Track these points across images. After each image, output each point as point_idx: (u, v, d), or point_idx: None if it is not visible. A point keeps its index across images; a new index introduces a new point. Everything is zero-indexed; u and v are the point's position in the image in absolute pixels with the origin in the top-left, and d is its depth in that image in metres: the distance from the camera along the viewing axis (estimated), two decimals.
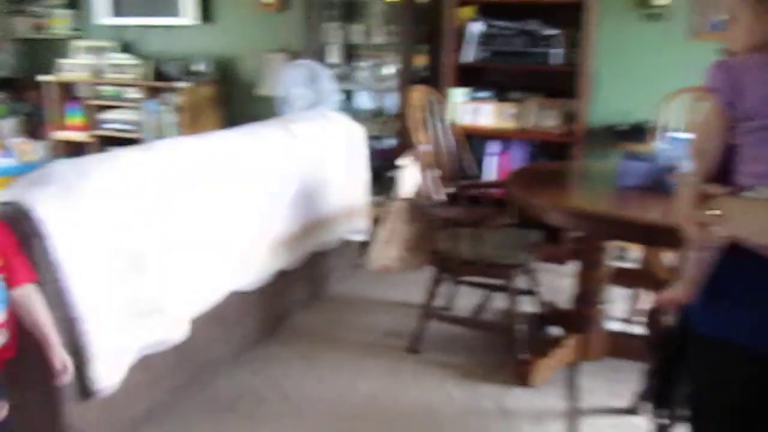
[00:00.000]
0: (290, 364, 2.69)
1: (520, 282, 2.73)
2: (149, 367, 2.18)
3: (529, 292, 2.97)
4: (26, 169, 4.51)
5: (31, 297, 1.57)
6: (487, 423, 2.31)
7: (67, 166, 1.98)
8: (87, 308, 1.83)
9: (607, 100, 3.84)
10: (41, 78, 5.21)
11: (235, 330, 2.67)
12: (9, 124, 5.50)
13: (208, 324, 2.46)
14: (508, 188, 2.64)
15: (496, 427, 2.29)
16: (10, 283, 1.54)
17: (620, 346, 2.64)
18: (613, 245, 2.70)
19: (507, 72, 4.05)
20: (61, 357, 1.62)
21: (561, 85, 3.74)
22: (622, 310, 2.99)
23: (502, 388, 2.53)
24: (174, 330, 2.16)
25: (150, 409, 2.25)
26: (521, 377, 2.56)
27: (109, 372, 1.92)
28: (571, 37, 3.64)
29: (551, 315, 3.00)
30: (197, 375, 2.46)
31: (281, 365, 2.68)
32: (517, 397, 2.47)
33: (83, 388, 1.90)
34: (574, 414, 2.31)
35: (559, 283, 3.54)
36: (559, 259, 3.72)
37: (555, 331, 2.93)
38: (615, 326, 2.83)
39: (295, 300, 3.12)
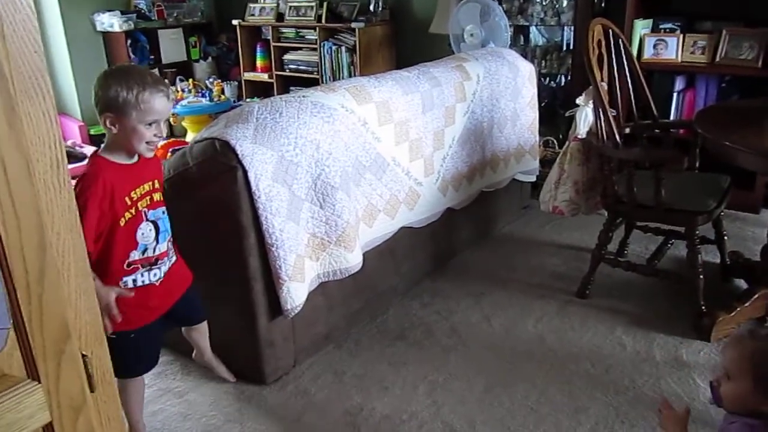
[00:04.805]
0: (458, 300, 2.78)
1: (704, 229, 2.56)
2: (328, 294, 2.37)
3: (714, 241, 2.78)
4: (220, 107, 4.95)
5: None
6: (659, 372, 2.25)
7: (260, 105, 2.15)
8: (279, 236, 2.01)
9: None
10: (233, 22, 5.60)
11: (406, 264, 2.79)
12: (202, 66, 6.01)
13: (382, 257, 2.60)
14: (695, 128, 2.46)
15: (669, 378, 2.21)
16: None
17: None
18: None
19: None
20: None
21: (762, 11, 3.34)
22: None
23: (678, 339, 2.43)
24: (351, 261, 2.31)
25: (328, 331, 2.45)
26: (700, 330, 2.43)
27: (296, 295, 2.11)
28: None
29: (737, 266, 2.79)
30: (370, 304, 2.62)
31: (449, 300, 2.77)
32: (694, 350, 2.36)
33: (274, 307, 2.12)
34: None
35: (749, 232, 3.28)
36: (751, 207, 3.42)
37: (741, 283, 2.75)
38: None
39: (463, 238, 3.18)
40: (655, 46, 3.65)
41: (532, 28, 4.34)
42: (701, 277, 2.46)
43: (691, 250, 2.47)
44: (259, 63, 5.69)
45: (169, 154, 4.24)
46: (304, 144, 2.08)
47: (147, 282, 1.73)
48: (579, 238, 3.28)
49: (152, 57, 5.64)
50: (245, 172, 1.94)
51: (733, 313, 2.40)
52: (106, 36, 5.46)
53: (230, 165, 1.94)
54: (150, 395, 2.20)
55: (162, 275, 1.77)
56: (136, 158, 1.68)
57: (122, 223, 1.63)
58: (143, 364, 1.88)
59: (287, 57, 5.47)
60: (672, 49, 3.61)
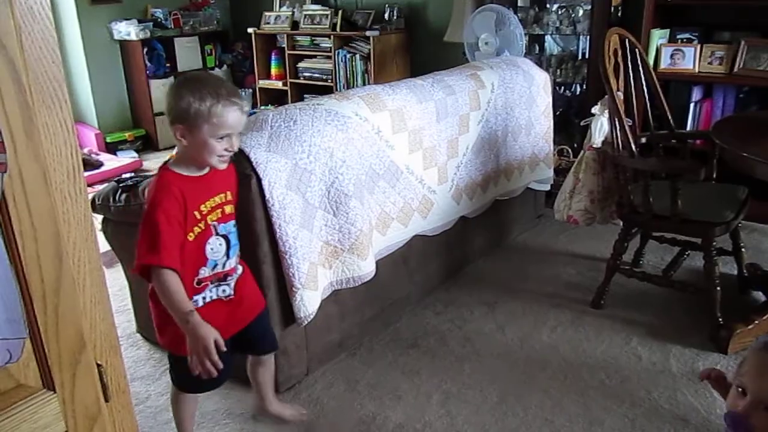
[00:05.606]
0: (471, 308, 2.76)
1: (721, 241, 2.53)
2: (341, 302, 2.37)
3: (731, 253, 2.74)
4: None
5: None
6: (676, 385, 2.22)
7: (274, 113, 2.15)
8: (292, 244, 2.01)
9: None
10: (248, 30, 5.63)
11: (419, 273, 2.78)
12: (217, 74, 6.04)
13: (395, 265, 2.59)
14: (712, 138, 2.43)
15: (686, 390, 2.18)
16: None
17: None
18: None
19: (714, 9, 3.67)
20: None
21: None
22: None
23: (695, 351, 2.40)
24: (364, 269, 2.30)
25: (341, 339, 2.44)
26: (717, 342, 2.40)
27: (309, 303, 2.11)
28: None
29: (755, 278, 2.76)
30: (383, 312, 2.61)
31: (462, 309, 2.76)
32: (711, 363, 2.33)
33: (287, 315, 2.11)
34: None
35: (766, 244, 3.24)
36: None
37: (758, 295, 2.71)
38: None
39: (477, 247, 3.17)
40: (672, 56, 3.63)
41: (548, 37, 4.33)
42: (718, 288, 2.43)
43: (707, 262, 2.44)
44: (273, 71, 5.72)
45: None
46: (318, 152, 2.08)
47: (215, 297, 1.66)
48: (594, 248, 3.25)
49: (168, 65, 5.68)
50: (259, 180, 1.94)
51: (751, 326, 2.37)
52: (123, 44, 5.51)
53: (244, 173, 1.94)
54: (163, 404, 2.20)
55: (232, 292, 1.70)
56: (206, 169, 1.60)
57: (191, 237, 1.54)
58: (203, 385, 1.75)
59: (302, 65, 5.49)
60: (689, 59, 3.58)
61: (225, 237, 1.63)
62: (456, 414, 2.12)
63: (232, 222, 1.66)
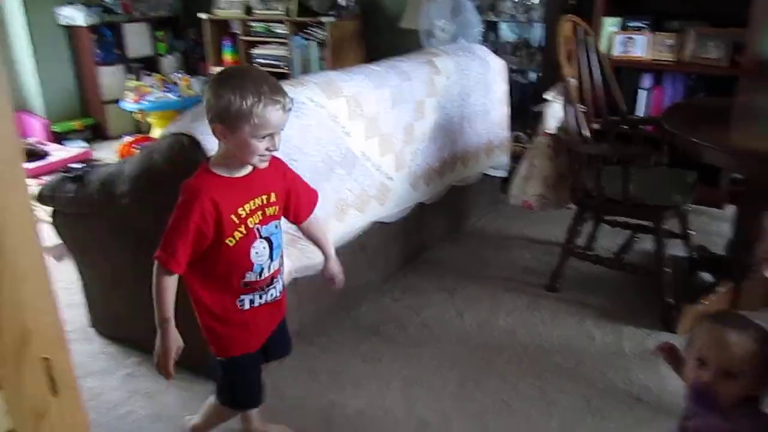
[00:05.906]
0: (429, 294, 2.78)
1: (671, 224, 2.60)
2: (299, 291, 2.34)
3: (680, 236, 2.82)
4: (187, 103, 4.87)
5: (316, 218, 1.75)
6: (629, 364, 2.28)
7: None
8: None
9: None
10: (200, 16, 5.50)
11: (378, 259, 2.78)
12: (169, 60, 5.91)
13: (353, 253, 2.58)
14: (663, 124, 2.49)
15: (638, 370, 2.24)
16: (301, 217, 1.70)
17: None
18: None
19: None
20: (331, 269, 1.81)
21: (728, 11, 3.40)
22: None
23: (646, 331, 2.47)
24: (321, 256, 2.28)
25: (300, 329, 2.42)
26: (666, 323, 2.47)
27: None
28: None
29: (703, 260, 2.84)
30: (342, 300, 2.60)
31: (421, 295, 2.77)
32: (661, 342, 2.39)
33: None
34: None
35: (713, 227, 3.34)
36: (716, 203, 3.49)
37: (706, 277, 2.79)
38: None
39: (435, 233, 3.18)
40: (623, 43, 3.69)
41: (503, 24, 4.35)
42: (668, 270, 2.50)
43: (658, 245, 2.50)
44: (227, 57, 5.61)
45: (135, 149, 4.17)
46: None
47: (264, 302, 1.62)
48: (549, 232, 3.30)
49: (118, 52, 5.53)
50: None
51: (699, 306, 2.44)
52: (70, 30, 5.33)
53: (197, 160, 1.90)
54: (119, 397, 2.16)
55: (278, 294, 1.66)
56: (249, 169, 1.52)
57: (231, 243, 1.49)
58: (252, 396, 1.77)
59: (256, 51, 5.40)
60: (640, 47, 3.65)
61: (268, 239, 1.57)
62: (416, 399, 2.13)
63: (274, 223, 1.59)
